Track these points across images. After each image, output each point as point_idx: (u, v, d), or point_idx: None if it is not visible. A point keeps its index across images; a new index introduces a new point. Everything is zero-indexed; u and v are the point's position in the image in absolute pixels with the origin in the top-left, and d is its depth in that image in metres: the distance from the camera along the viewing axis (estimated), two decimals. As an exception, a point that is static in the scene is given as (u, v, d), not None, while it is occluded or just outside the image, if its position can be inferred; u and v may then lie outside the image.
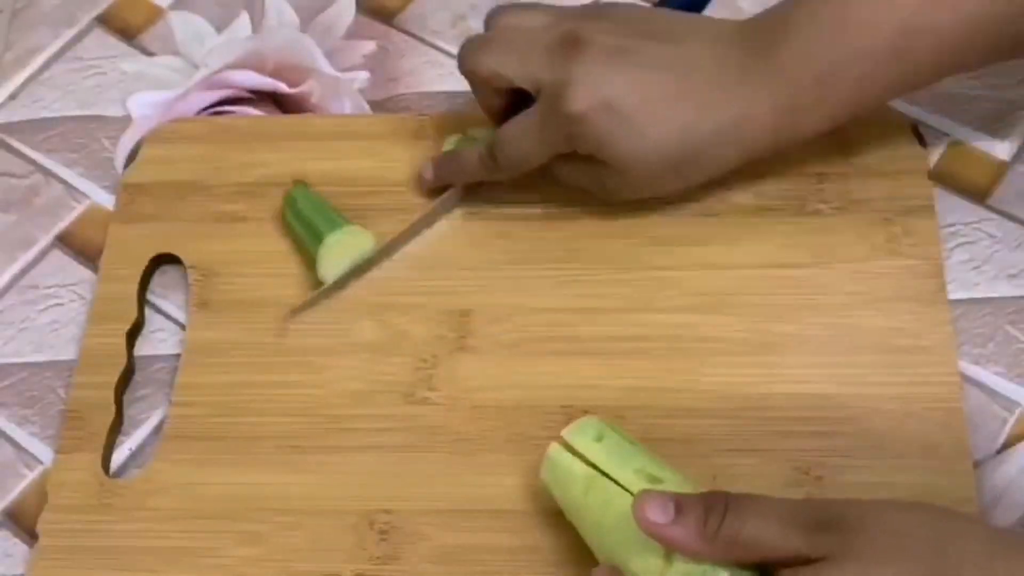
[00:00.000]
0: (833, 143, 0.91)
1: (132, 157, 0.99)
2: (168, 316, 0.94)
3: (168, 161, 0.98)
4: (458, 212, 0.93)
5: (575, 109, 0.83)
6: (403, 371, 0.88)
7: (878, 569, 0.64)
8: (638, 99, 0.83)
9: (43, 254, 0.99)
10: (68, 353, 0.94)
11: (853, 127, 0.89)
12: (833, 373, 0.85)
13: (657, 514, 0.69)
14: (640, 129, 0.83)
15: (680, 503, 0.69)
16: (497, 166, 0.89)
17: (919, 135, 0.93)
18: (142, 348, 0.93)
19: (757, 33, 0.85)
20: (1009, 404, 0.86)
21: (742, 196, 0.91)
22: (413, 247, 0.92)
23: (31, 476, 0.90)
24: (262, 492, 0.85)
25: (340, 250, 0.91)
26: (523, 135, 0.87)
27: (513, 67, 0.86)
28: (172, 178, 0.97)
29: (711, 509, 0.68)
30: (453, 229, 0.93)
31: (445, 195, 0.93)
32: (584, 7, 0.90)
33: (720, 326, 0.87)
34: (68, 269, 0.98)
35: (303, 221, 0.93)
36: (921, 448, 0.82)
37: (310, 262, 0.92)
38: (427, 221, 0.93)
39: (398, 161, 0.96)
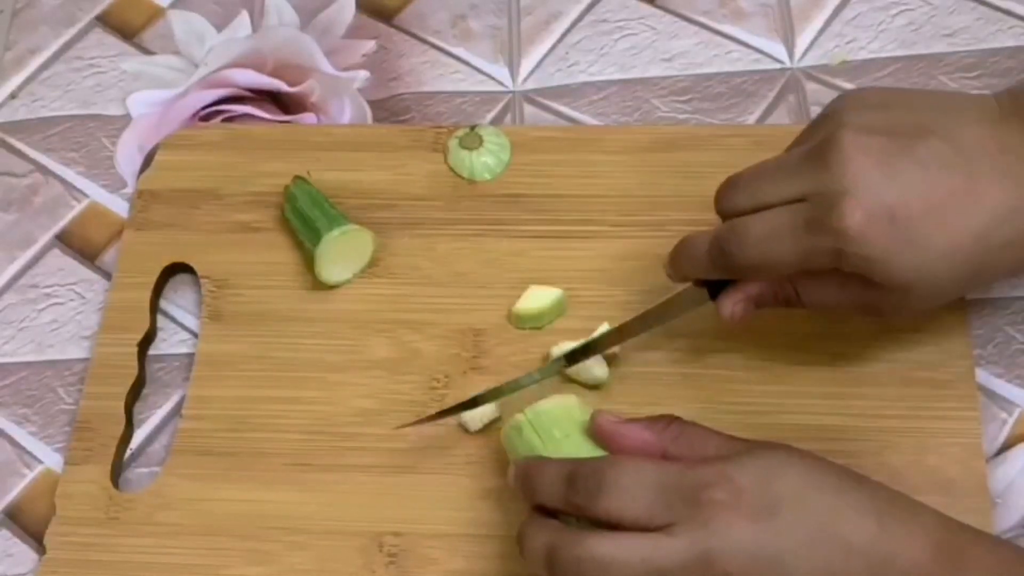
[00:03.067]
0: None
1: (147, 163, 0.98)
2: (173, 319, 0.93)
3: (182, 168, 0.96)
4: (472, 230, 0.92)
5: (851, 224, 0.71)
6: (415, 390, 0.86)
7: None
8: (922, 206, 0.72)
9: (43, 253, 0.97)
10: (68, 352, 0.93)
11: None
12: (849, 405, 0.83)
13: (612, 417, 0.74)
14: (926, 242, 0.72)
15: (629, 419, 0.74)
16: (728, 266, 0.77)
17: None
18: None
19: None
20: (1008, 405, 0.84)
21: None
22: (426, 263, 0.91)
23: (31, 476, 0.89)
24: (271, 510, 0.84)
25: (339, 248, 0.89)
26: (772, 239, 0.75)
27: (771, 196, 0.75)
28: (186, 186, 0.96)
29: (658, 417, 0.74)
30: (468, 246, 0.91)
31: (684, 289, 0.82)
32: (834, 106, 0.77)
33: (734, 355, 0.85)
34: (68, 268, 0.96)
35: (302, 218, 0.90)
36: (938, 483, 0.80)
37: (308, 259, 0.90)
38: (663, 315, 0.83)
39: (414, 174, 0.94)
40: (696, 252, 0.78)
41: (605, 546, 0.69)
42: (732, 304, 0.79)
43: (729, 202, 0.77)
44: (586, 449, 0.75)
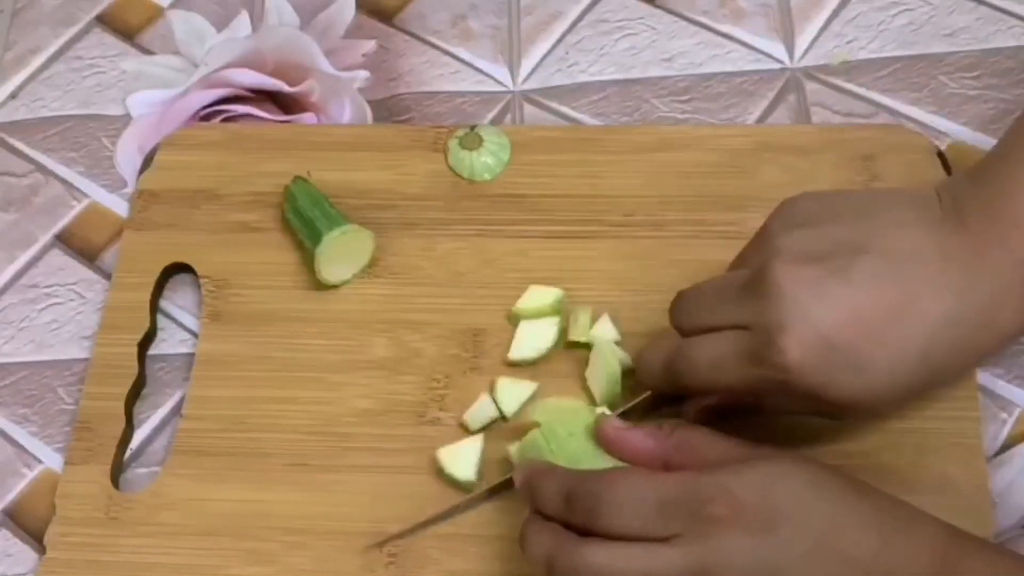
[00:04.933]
0: (857, 168, 0.89)
1: (147, 163, 0.97)
2: (173, 319, 0.93)
3: (183, 168, 0.96)
4: (472, 230, 0.92)
5: (789, 358, 0.71)
6: (415, 390, 0.86)
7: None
8: (860, 329, 0.71)
9: (43, 253, 0.97)
10: (67, 352, 0.92)
11: (879, 153, 0.88)
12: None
13: (617, 423, 0.75)
14: (868, 364, 0.71)
15: (635, 425, 0.75)
16: (681, 386, 0.77)
17: (945, 162, 0.90)
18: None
19: (973, 196, 0.73)
20: (1008, 405, 0.84)
21: (763, 220, 0.89)
22: (426, 263, 0.90)
23: (31, 475, 0.88)
24: (270, 510, 0.83)
25: (339, 248, 0.88)
26: (718, 365, 0.74)
27: (709, 322, 0.75)
28: (186, 186, 0.95)
29: (665, 423, 0.74)
30: (468, 246, 0.91)
31: (639, 399, 0.82)
32: (769, 228, 0.76)
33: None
34: (68, 268, 0.96)
35: (302, 218, 0.90)
36: (939, 483, 0.80)
37: (308, 259, 0.90)
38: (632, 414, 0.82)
39: (414, 174, 0.94)
40: (654, 369, 0.79)
41: (603, 555, 0.69)
42: (695, 415, 0.79)
43: (678, 319, 0.78)
44: (590, 452, 0.75)
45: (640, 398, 0.81)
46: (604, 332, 0.86)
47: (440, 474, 0.83)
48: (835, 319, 0.70)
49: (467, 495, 0.82)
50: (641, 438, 0.74)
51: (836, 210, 0.75)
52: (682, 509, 0.69)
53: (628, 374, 0.84)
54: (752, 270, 0.74)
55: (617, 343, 0.85)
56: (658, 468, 0.72)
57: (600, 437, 0.75)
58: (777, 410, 0.77)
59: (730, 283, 0.75)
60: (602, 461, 0.75)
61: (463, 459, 0.82)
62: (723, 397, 0.78)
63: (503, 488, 0.81)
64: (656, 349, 0.79)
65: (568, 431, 0.76)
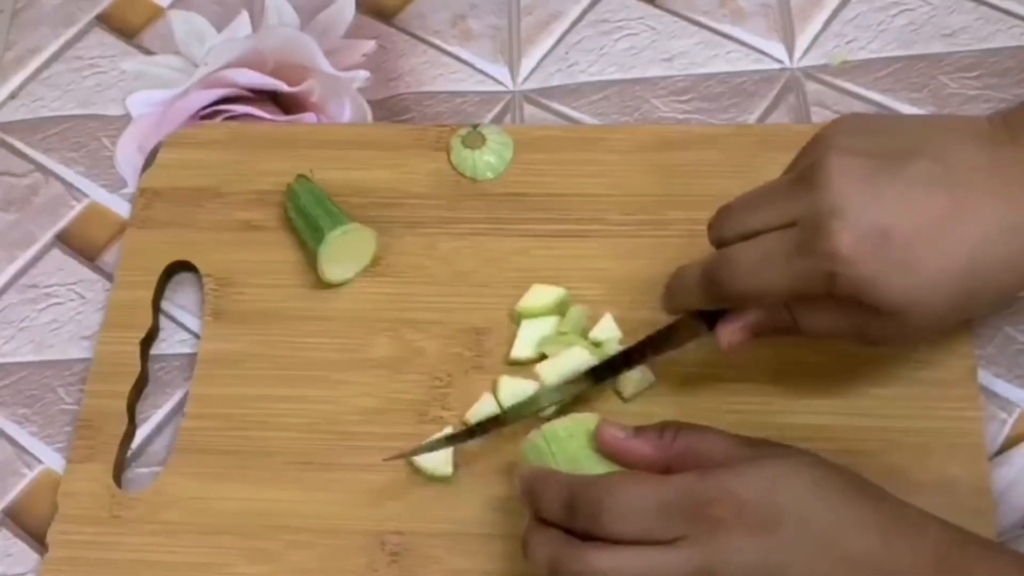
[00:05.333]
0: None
1: (150, 161, 0.97)
2: (173, 319, 0.93)
3: (185, 166, 0.96)
4: (475, 228, 0.92)
5: (840, 245, 0.69)
6: (417, 389, 0.86)
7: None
8: (913, 225, 0.70)
9: (43, 253, 0.97)
10: (68, 352, 0.92)
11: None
12: (852, 405, 0.83)
13: (618, 432, 0.74)
14: (917, 265, 0.70)
15: (637, 428, 0.74)
16: (721, 295, 0.75)
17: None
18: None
19: (1018, 116, 0.73)
20: (1008, 405, 0.84)
21: None
22: (429, 262, 0.90)
23: (31, 475, 0.88)
24: (273, 508, 0.83)
25: (341, 247, 0.88)
26: (763, 265, 0.73)
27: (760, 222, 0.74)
28: (189, 184, 0.95)
29: (665, 429, 0.74)
30: (470, 245, 0.90)
31: (680, 319, 0.81)
32: (822, 132, 0.75)
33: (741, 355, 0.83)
34: (68, 268, 0.96)
35: (304, 216, 0.90)
36: (941, 483, 0.80)
37: (311, 258, 0.90)
38: (661, 346, 0.81)
39: (416, 173, 0.94)
40: (688, 282, 0.77)
41: (606, 560, 0.69)
42: (729, 334, 0.78)
43: (720, 231, 0.76)
44: (590, 454, 0.75)
45: (671, 322, 0.80)
46: (607, 332, 0.86)
47: (419, 473, 0.83)
48: (888, 212, 0.69)
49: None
50: (641, 447, 0.73)
51: (890, 122, 0.75)
52: (684, 511, 0.68)
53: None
54: (803, 167, 0.73)
55: (619, 341, 0.85)
56: (659, 471, 0.72)
57: (600, 445, 0.75)
58: (816, 329, 0.76)
59: (776, 185, 0.75)
60: (603, 464, 0.74)
61: (436, 455, 0.83)
62: (761, 314, 0.77)
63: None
64: (692, 265, 0.77)
65: (568, 432, 0.76)
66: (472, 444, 0.83)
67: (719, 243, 0.76)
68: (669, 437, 0.73)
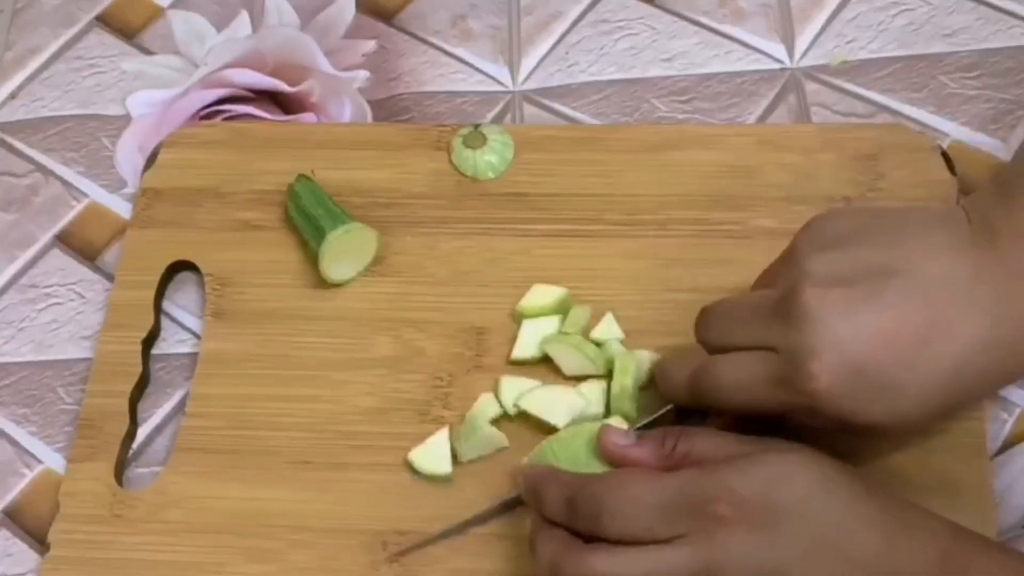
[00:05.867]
0: (861, 168, 0.89)
1: (151, 161, 0.97)
2: (173, 319, 0.92)
3: (186, 166, 0.96)
4: (476, 228, 0.91)
5: (818, 384, 0.69)
6: (418, 389, 0.86)
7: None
8: (890, 354, 0.69)
9: (43, 253, 0.97)
10: (68, 352, 0.92)
11: (882, 152, 0.88)
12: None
13: (620, 438, 0.74)
14: (898, 389, 0.70)
15: (639, 434, 0.75)
16: (707, 406, 0.76)
17: (949, 162, 0.90)
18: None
19: (1003, 215, 0.71)
20: (1008, 405, 0.84)
21: (767, 220, 0.88)
22: (430, 261, 0.90)
23: (31, 475, 0.88)
24: (274, 508, 0.83)
25: (342, 247, 0.88)
26: (746, 386, 0.73)
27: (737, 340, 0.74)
28: (190, 184, 0.95)
29: (666, 436, 0.73)
30: (471, 245, 0.90)
31: (661, 412, 0.80)
32: (796, 249, 0.74)
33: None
34: (68, 268, 0.96)
35: (305, 216, 0.90)
36: (942, 483, 0.79)
37: (312, 258, 0.89)
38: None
39: (417, 172, 0.93)
40: (677, 384, 0.77)
41: (608, 562, 0.69)
42: (720, 428, 0.77)
43: (705, 335, 0.76)
44: (592, 453, 0.75)
45: (662, 411, 0.80)
46: (608, 331, 0.86)
47: (419, 473, 0.83)
48: (865, 344, 0.69)
49: (477, 511, 0.82)
50: (643, 456, 0.73)
51: (865, 231, 0.73)
52: (685, 510, 0.69)
53: (646, 387, 0.84)
54: (780, 292, 0.72)
55: (621, 341, 0.85)
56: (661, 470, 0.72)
57: (602, 452, 0.75)
58: (804, 428, 0.75)
59: (758, 303, 0.74)
60: (605, 468, 0.75)
61: (434, 455, 0.83)
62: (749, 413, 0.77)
63: (516, 503, 0.81)
64: (680, 364, 0.77)
65: (571, 432, 0.77)
66: (471, 445, 0.83)
67: (703, 344, 0.76)
68: (671, 443, 0.73)
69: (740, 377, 0.73)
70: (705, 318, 0.77)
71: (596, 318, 0.86)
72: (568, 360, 0.85)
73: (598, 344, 0.85)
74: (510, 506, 0.81)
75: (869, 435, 0.74)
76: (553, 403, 0.83)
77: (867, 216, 0.75)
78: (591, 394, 0.84)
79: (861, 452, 0.76)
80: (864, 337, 0.69)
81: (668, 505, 0.69)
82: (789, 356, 0.70)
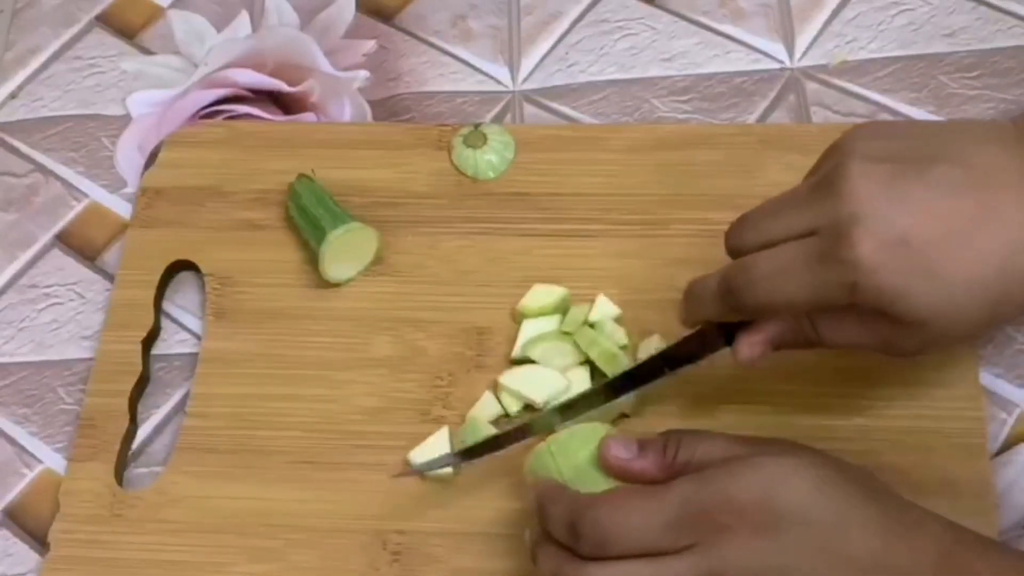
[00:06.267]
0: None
1: (151, 160, 0.97)
2: (173, 319, 0.92)
3: (187, 165, 0.96)
4: (476, 228, 0.91)
5: (862, 254, 0.67)
6: (419, 388, 0.86)
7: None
8: (937, 232, 0.67)
9: (43, 253, 0.97)
10: (68, 352, 0.92)
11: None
12: (854, 404, 0.82)
13: (622, 451, 0.73)
14: (944, 271, 0.67)
15: (641, 442, 0.73)
16: (739, 306, 0.73)
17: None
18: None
19: None
20: (1008, 405, 0.84)
21: None
22: (430, 261, 0.90)
23: (31, 475, 0.88)
24: (274, 507, 0.83)
25: (343, 246, 0.88)
26: (782, 274, 0.70)
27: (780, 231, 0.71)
28: (190, 183, 0.95)
29: (668, 443, 0.72)
30: (472, 244, 0.90)
31: (697, 331, 0.78)
32: (841, 138, 0.73)
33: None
34: (68, 268, 0.96)
35: (306, 215, 0.90)
36: (943, 483, 0.79)
37: (313, 257, 0.89)
38: (679, 359, 0.79)
39: (418, 172, 0.93)
40: (705, 293, 0.75)
41: (610, 573, 0.69)
42: (748, 347, 0.75)
43: (738, 240, 0.74)
44: (601, 475, 0.74)
45: (687, 334, 0.78)
46: (602, 312, 0.86)
47: (420, 473, 0.83)
48: (912, 218, 0.67)
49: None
50: (646, 467, 0.73)
51: (911, 127, 0.72)
52: (687, 524, 0.68)
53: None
54: (822, 174, 0.70)
55: (616, 320, 0.86)
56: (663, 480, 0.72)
57: (603, 465, 0.74)
58: (838, 342, 0.73)
59: (795, 192, 0.72)
60: (606, 476, 0.74)
61: (434, 454, 0.83)
62: (780, 326, 0.74)
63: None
64: (709, 276, 0.75)
65: (572, 435, 0.76)
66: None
67: (736, 252, 0.74)
68: (672, 452, 0.72)
69: (777, 264, 0.71)
70: (738, 222, 0.74)
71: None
72: (551, 357, 0.85)
73: (592, 325, 0.86)
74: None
75: (907, 336, 0.70)
76: (535, 382, 0.84)
77: (913, 121, 0.75)
78: (574, 377, 0.84)
79: (902, 346, 0.72)
80: (911, 211, 0.67)
81: (670, 523, 0.69)
82: (832, 228, 0.68)
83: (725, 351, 0.77)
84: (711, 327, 0.77)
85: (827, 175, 0.70)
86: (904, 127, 0.72)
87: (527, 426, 0.79)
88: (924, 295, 0.67)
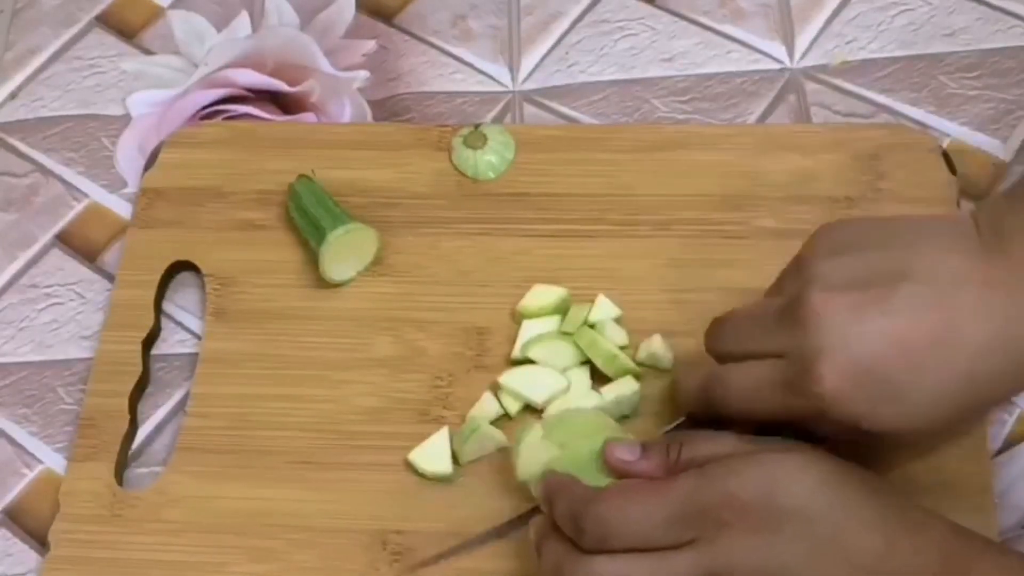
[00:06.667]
0: (862, 168, 0.89)
1: (151, 161, 0.97)
2: (173, 319, 0.92)
3: (187, 166, 0.96)
4: (477, 228, 0.91)
5: (826, 387, 0.68)
6: (419, 388, 0.86)
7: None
8: (900, 357, 0.68)
9: (43, 253, 0.97)
10: (68, 352, 0.92)
11: (883, 152, 0.89)
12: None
13: (625, 454, 0.73)
14: (909, 393, 0.68)
15: (644, 445, 0.74)
16: (719, 413, 0.75)
17: (949, 162, 0.90)
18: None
19: (1013, 220, 0.69)
20: (1008, 405, 0.84)
21: (768, 220, 0.88)
22: (430, 261, 0.90)
23: (31, 475, 0.88)
24: (275, 508, 0.83)
25: (343, 247, 0.88)
26: (755, 393, 0.73)
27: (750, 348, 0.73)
28: (191, 184, 0.95)
29: (671, 444, 0.73)
30: (472, 245, 0.90)
31: (676, 423, 0.80)
32: (803, 252, 0.73)
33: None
34: (68, 268, 0.96)
35: (306, 216, 0.90)
36: (943, 482, 0.79)
37: (313, 257, 0.89)
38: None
39: (418, 172, 0.93)
40: (689, 395, 0.77)
41: (612, 567, 0.70)
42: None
43: (715, 345, 0.76)
44: (595, 454, 0.75)
45: (676, 422, 0.80)
46: (602, 312, 0.86)
47: (420, 473, 0.83)
48: (874, 347, 0.68)
49: (484, 531, 0.81)
50: (649, 469, 0.73)
51: (874, 238, 0.72)
52: (688, 520, 0.69)
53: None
54: (788, 298, 0.71)
55: (616, 320, 0.86)
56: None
57: (608, 469, 0.74)
58: (817, 435, 0.74)
59: (765, 311, 0.73)
60: (610, 475, 0.75)
61: (435, 454, 0.83)
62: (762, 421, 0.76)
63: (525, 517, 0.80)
64: (692, 375, 0.77)
65: (560, 416, 0.78)
66: (471, 446, 0.83)
67: (715, 356, 0.76)
68: (675, 452, 0.73)
69: (748, 384, 0.73)
70: (714, 329, 0.76)
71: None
72: (551, 357, 0.85)
73: (592, 326, 0.85)
74: (523, 520, 0.80)
75: (880, 443, 0.73)
76: (535, 382, 0.84)
77: (875, 223, 0.74)
78: (574, 377, 0.84)
79: (875, 461, 0.73)
80: (872, 339, 0.68)
81: (672, 519, 0.69)
82: (796, 359, 0.69)
83: None
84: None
85: (791, 303, 0.71)
86: (866, 235, 0.72)
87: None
88: (891, 416, 0.69)
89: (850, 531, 0.67)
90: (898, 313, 0.68)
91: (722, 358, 0.75)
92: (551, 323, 0.86)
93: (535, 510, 0.78)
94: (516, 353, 0.86)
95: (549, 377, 0.84)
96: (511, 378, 0.84)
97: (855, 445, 0.72)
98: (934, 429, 0.71)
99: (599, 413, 0.79)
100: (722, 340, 0.76)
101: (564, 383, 0.83)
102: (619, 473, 0.73)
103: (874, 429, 0.69)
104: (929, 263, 0.69)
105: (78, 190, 0.99)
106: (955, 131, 0.94)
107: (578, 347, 0.85)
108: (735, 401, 0.73)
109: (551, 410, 0.83)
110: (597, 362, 0.84)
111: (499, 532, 0.81)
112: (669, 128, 0.94)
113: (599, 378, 0.84)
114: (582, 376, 0.85)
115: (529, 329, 0.86)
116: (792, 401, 0.70)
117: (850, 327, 0.68)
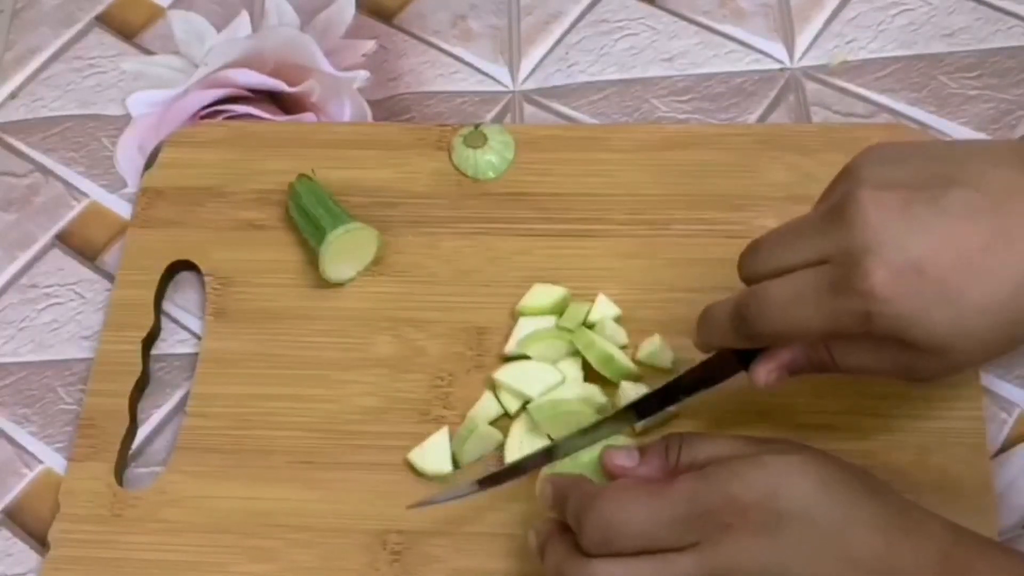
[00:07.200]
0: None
1: (151, 161, 0.97)
2: (173, 319, 0.92)
3: (187, 165, 0.96)
4: (477, 228, 0.91)
5: (875, 283, 0.65)
6: (419, 388, 0.86)
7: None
8: (951, 258, 0.65)
9: (43, 253, 0.97)
10: (67, 352, 0.92)
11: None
12: (855, 404, 0.82)
13: (624, 460, 0.74)
14: (959, 297, 0.66)
15: (642, 449, 0.74)
16: (753, 334, 0.72)
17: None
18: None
19: None
20: (1008, 405, 0.84)
21: (767, 220, 0.87)
22: (430, 261, 0.90)
23: (31, 475, 0.88)
24: (274, 508, 0.83)
25: (343, 246, 0.88)
26: (795, 304, 0.69)
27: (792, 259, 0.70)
28: (191, 183, 0.95)
29: (670, 447, 0.73)
30: (472, 244, 0.90)
31: (713, 356, 0.77)
32: (852, 162, 0.71)
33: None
34: (68, 268, 0.96)
35: (306, 215, 0.90)
36: (943, 483, 0.79)
37: (313, 257, 0.89)
38: (696, 385, 0.78)
39: (418, 172, 0.93)
40: (719, 321, 0.74)
41: (612, 572, 0.70)
42: (765, 373, 0.74)
43: (751, 267, 0.72)
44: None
45: (694, 365, 0.78)
46: (602, 311, 0.86)
47: (419, 473, 0.83)
48: (926, 245, 0.66)
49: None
50: (649, 473, 0.73)
51: (921, 150, 0.70)
52: (690, 522, 0.69)
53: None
54: (832, 202, 0.69)
55: (616, 319, 0.86)
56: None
57: (607, 474, 0.74)
58: (853, 367, 0.72)
59: (808, 218, 0.71)
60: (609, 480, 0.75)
61: (434, 454, 0.83)
62: (796, 352, 0.74)
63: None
64: (722, 302, 0.74)
65: (550, 400, 0.78)
66: (471, 446, 0.83)
67: (749, 279, 0.72)
68: (674, 453, 0.73)
69: (790, 292, 0.69)
70: (751, 248, 0.73)
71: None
72: (545, 351, 0.85)
73: (592, 326, 0.86)
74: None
75: (922, 361, 0.69)
76: (528, 376, 0.84)
77: (923, 142, 0.73)
78: (567, 370, 0.84)
79: (920, 372, 0.70)
80: (925, 237, 0.66)
81: (673, 521, 0.69)
82: (843, 258, 0.67)
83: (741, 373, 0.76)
84: (726, 352, 0.76)
85: (838, 203, 0.68)
86: (916, 148, 0.71)
87: (550, 450, 0.78)
88: (939, 321, 0.66)
89: (851, 532, 0.67)
90: (951, 214, 0.66)
91: (760, 275, 0.71)
92: (547, 320, 0.86)
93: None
94: (510, 348, 0.86)
95: (542, 370, 0.84)
96: (505, 373, 0.84)
97: (901, 356, 0.69)
98: (976, 347, 0.68)
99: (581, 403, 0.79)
100: (760, 257, 0.72)
101: (558, 376, 0.84)
102: (618, 477, 0.74)
103: (920, 337, 0.67)
104: (980, 172, 0.67)
105: (78, 190, 0.99)
106: (955, 131, 0.93)
107: (571, 341, 0.85)
108: (774, 316, 0.70)
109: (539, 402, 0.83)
110: (594, 364, 0.84)
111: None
112: (669, 128, 0.94)
113: (600, 379, 0.84)
114: (574, 367, 0.85)
115: (524, 326, 0.86)
116: (837, 305, 0.68)
117: (901, 224, 0.66)
